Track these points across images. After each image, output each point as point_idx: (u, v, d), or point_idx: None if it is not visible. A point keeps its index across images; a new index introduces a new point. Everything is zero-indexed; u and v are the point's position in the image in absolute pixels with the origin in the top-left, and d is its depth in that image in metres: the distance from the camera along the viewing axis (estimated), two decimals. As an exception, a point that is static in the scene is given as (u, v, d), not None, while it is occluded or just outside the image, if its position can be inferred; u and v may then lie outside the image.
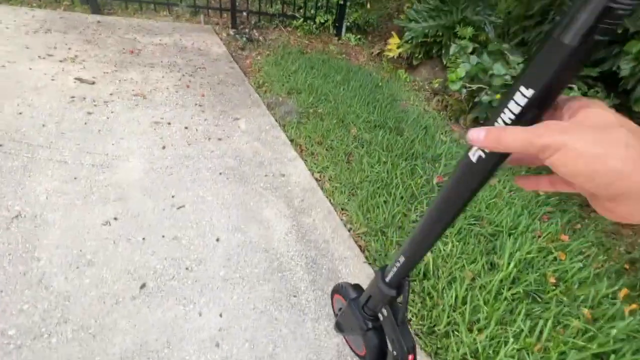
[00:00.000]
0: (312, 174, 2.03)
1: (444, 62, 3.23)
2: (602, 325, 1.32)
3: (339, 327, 1.17)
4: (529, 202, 1.98)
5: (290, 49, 3.61)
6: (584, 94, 2.22)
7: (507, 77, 2.18)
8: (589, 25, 0.31)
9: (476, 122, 2.84)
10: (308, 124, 2.45)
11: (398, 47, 3.53)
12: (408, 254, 0.72)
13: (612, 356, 1.21)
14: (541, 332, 1.28)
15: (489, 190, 2.01)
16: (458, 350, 1.23)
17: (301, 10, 4.17)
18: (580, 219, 1.99)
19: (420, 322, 1.33)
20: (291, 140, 2.29)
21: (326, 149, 2.25)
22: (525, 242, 1.64)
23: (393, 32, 3.64)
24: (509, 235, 1.71)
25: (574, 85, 2.10)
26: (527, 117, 0.42)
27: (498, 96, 2.32)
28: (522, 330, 1.28)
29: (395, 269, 0.77)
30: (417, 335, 1.31)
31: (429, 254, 1.53)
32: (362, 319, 0.99)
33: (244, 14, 3.99)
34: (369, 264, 1.56)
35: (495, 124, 0.44)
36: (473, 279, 1.47)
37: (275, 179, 1.92)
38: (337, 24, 4.17)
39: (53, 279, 1.26)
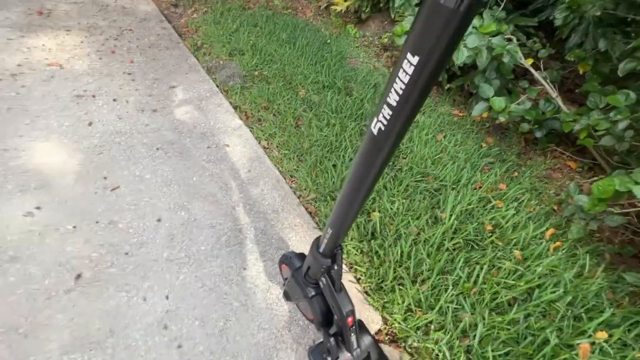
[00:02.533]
0: (259, 142, 1.96)
1: (392, 16, 3.13)
2: (529, 264, 1.46)
3: (286, 296, 1.19)
4: (472, 155, 2.07)
5: (230, 5, 3.32)
6: (522, 45, 2.27)
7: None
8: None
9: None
10: (253, 89, 2.32)
11: (345, 0, 3.36)
12: (336, 226, 0.71)
13: (536, 290, 1.35)
14: (477, 277, 1.39)
15: (435, 147, 2.05)
16: (403, 302, 1.30)
17: (239, -41, 3.79)
18: (518, 167, 2.12)
19: (369, 280, 1.39)
20: (235, 107, 2.16)
21: (273, 114, 2.16)
22: (466, 194, 1.73)
23: (339, -16, 3.43)
24: (452, 189, 1.79)
25: (512, 37, 2.13)
26: (418, 86, 0.39)
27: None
28: (461, 277, 1.38)
29: (326, 240, 0.77)
30: (366, 292, 1.37)
31: (377, 213, 1.57)
32: (305, 287, 1.01)
33: (174, -36, 3.55)
34: (319, 228, 1.57)
35: (388, 96, 0.41)
36: (418, 234, 1.53)
37: (219, 150, 1.83)
38: (279, -25, 3.86)
39: (-30, 281, 1.14)
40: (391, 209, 1.63)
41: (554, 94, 2.10)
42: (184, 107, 2.05)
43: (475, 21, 2.06)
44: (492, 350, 1.18)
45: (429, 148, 2.02)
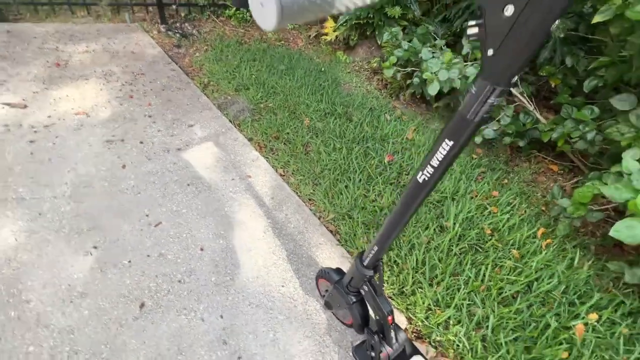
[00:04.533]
0: (276, 171, 2.17)
1: (379, 42, 3.43)
2: (527, 261, 1.69)
3: (328, 306, 1.39)
4: (465, 166, 2.32)
5: (227, 41, 3.57)
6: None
7: (434, 61, 2.43)
8: (484, 112, 0.50)
9: (414, 97, 3.12)
10: (262, 121, 2.54)
11: (334, 30, 3.65)
12: (380, 243, 0.93)
13: (535, 283, 1.58)
14: (484, 276, 1.60)
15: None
16: (424, 303, 1.51)
17: (232, -2, 4.07)
18: (507, 174, 2.37)
19: (391, 287, 1.59)
20: (249, 140, 2.38)
21: (284, 143, 2.38)
22: (465, 203, 1.96)
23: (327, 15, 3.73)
24: (452, 199, 2.02)
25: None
26: (449, 157, 0.61)
27: (427, 74, 2.59)
28: (470, 277, 1.59)
29: (371, 255, 0.98)
30: (390, 297, 1.57)
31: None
32: (347, 295, 1.21)
33: (173, 6, 3.81)
34: (342, 245, 1.77)
35: (432, 160, 0.63)
36: (428, 243, 1.75)
37: (242, 181, 2.03)
38: (271, 10, 4.15)
39: (50, 317, 1.30)
40: (402, 222, 1.84)
41: (530, 107, 2.38)
42: (204, 143, 2.26)
43: (444, 58, 2.37)
44: (504, 337, 1.39)
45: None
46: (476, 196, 2.08)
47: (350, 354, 1.32)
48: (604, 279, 1.66)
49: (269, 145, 2.35)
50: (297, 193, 2.04)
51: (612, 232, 1.17)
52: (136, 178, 1.92)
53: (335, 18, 3.62)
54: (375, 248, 0.94)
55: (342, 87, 3.20)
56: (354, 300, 1.20)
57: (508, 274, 1.61)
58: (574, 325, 1.43)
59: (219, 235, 1.70)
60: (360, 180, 2.11)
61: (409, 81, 2.88)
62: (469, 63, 2.40)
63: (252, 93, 2.81)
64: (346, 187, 2.06)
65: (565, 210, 1.77)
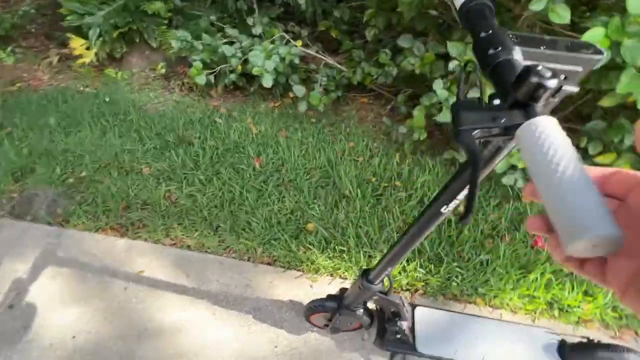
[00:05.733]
0: (163, 243, 1.80)
1: (154, 45, 2.99)
2: (410, 185, 2.14)
3: (335, 330, 1.43)
4: (312, 133, 2.54)
5: None
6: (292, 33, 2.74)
7: (256, 54, 2.38)
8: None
9: (226, 88, 2.99)
10: (90, 198, 1.96)
11: (88, 49, 2.91)
12: (392, 262, 1.02)
13: (419, 190, 2.05)
14: (400, 213, 1.96)
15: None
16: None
17: None
18: (341, 122, 2.75)
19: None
20: (97, 230, 1.83)
21: (141, 209, 1.95)
22: (346, 167, 2.22)
23: (68, 34, 2.89)
24: (333, 168, 2.24)
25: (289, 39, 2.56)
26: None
27: (240, 67, 2.54)
28: (394, 217, 1.92)
29: (383, 274, 1.07)
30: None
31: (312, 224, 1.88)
32: (354, 312, 1.29)
33: None
34: (287, 269, 1.76)
35: (448, 206, 0.73)
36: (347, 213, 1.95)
37: (137, 284, 1.61)
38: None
39: None
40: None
41: (331, 60, 2.75)
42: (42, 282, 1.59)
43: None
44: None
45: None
46: (342, 155, 2.36)
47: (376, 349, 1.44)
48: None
49: (124, 223, 1.89)
50: (206, 252, 1.80)
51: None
52: None
53: (82, 34, 2.85)
54: (386, 266, 1.03)
55: (146, 110, 2.73)
56: (362, 310, 1.30)
57: (407, 202, 2.02)
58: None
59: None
60: (252, 199, 2.03)
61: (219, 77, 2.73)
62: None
63: (45, 172, 2.06)
64: (246, 213, 1.95)
65: (405, 135, 2.28)
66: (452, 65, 1.66)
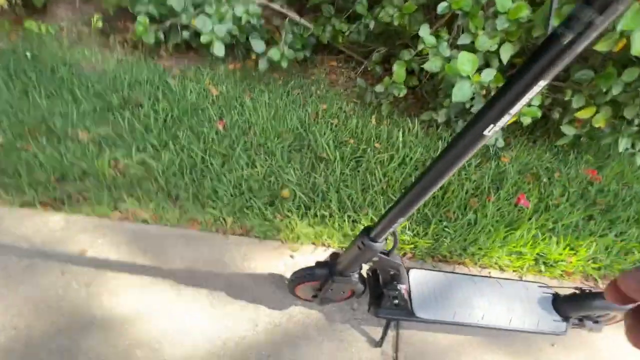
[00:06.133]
0: (110, 216, 1.50)
1: (86, -7, 2.51)
2: (390, 146, 2.00)
3: (325, 301, 1.26)
4: (277, 95, 2.31)
5: None
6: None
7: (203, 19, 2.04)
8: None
9: (177, 46, 2.61)
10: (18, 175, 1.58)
11: (-1, -8, 2.36)
12: (400, 214, 0.86)
13: (402, 151, 1.93)
14: (383, 175, 1.82)
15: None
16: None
17: None
18: (311, 85, 2.53)
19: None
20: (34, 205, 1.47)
21: (80, 180, 1.62)
22: (322, 130, 2.02)
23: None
24: (308, 133, 2.03)
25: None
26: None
27: (194, 21, 2.19)
28: (377, 179, 1.77)
29: (388, 230, 0.91)
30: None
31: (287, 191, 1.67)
32: (349, 278, 1.13)
33: None
34: (263, 238, 1.55)
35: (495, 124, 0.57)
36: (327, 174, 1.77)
37: (92, 271, 1.31)
38: None
39: None
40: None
41: (298, 18, 2.49)
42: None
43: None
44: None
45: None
46: (316, 118, 2.16)
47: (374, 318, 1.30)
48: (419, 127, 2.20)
49: (58, 196, 1.55)
50: (165, 225, 1.53)
51: (453, 97, 1.51)
52: None
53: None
54: (394, 219, 0.86)
55: (83, 68, 2.30)
56: (357, 275, 1.14)
57: (389, 164, 1.88)
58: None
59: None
60: (217, 164, 1.77)
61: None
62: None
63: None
64: (211, 179, 1.69)
65: (382, 94, 2.13)
66: (441, 7, 1.51)
